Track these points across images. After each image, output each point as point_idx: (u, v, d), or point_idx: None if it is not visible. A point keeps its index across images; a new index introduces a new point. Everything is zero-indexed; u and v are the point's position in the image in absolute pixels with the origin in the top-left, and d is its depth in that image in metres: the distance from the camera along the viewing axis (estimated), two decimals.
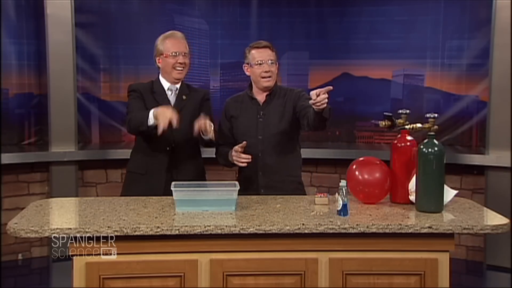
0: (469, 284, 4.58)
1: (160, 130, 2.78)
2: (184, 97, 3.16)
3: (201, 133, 2.97)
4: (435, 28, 5.15)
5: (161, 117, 2.80)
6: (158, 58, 3.15)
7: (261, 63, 3.04)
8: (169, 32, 3.21)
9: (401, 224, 2.31)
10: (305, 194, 3.11)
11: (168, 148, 3.12)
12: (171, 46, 3.11)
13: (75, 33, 4.82)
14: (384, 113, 2.72)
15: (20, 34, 4.99)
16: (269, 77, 3.05)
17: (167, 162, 3.12)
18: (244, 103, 3.15)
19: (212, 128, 2.98)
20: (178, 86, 3.18)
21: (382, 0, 5.28)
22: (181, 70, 3.12)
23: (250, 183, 3.04)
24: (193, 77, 5.05)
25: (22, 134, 5.09)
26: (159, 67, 3.17)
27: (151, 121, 2.90)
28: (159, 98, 3.11)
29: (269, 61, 3.04)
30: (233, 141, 3.11)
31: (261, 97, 3.12)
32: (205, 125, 2.93)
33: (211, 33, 5.42)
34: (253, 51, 3.08)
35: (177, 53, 3.10)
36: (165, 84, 3.16)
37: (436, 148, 2.48)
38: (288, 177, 3.10)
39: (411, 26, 5.23)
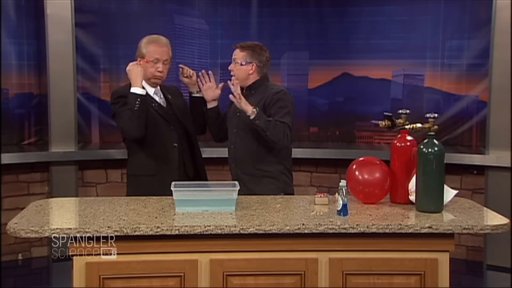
0: (469, 284, 4.58)
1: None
2: (169, 96, 3.22)
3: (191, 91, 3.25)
4: (435, 28, 5.15)
5: (133, 74, 3.02)
6: (139, 59, 3.16)
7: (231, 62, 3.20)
8: (155, 36, 3.22)
9: (401, 224, 2.31)
10: (283, 190, 3.10)
11: (175, 145, 3.15)
12: (153, 52, 3.13)
13: (75, 33, 4.82)
14: (384, 113, 2.73)
15: (20, 34, 4.98)
16: (231, 75, 3.17)
17: (176, 159, 3.15)
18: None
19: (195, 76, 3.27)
20: (158, 88, 3.22)
21: (382, 0, 5.28)
22: (161, 76, 3.16)
23: (229, 175, 3.15)
24: None
25: (22, 134, 5.08)
26: None
27: (138, 90, 2.99)
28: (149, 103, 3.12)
29: (236, 61, 3.16)
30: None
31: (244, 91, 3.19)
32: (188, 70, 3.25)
33: (211, 33, 5.42)
34: None
35: (158, 60, 3.12)
36: (148, 88, 3.15)
37: (436, 148, 2.48)
38: (257, 171, 3.11)
39: (411, 26, 5.22)
